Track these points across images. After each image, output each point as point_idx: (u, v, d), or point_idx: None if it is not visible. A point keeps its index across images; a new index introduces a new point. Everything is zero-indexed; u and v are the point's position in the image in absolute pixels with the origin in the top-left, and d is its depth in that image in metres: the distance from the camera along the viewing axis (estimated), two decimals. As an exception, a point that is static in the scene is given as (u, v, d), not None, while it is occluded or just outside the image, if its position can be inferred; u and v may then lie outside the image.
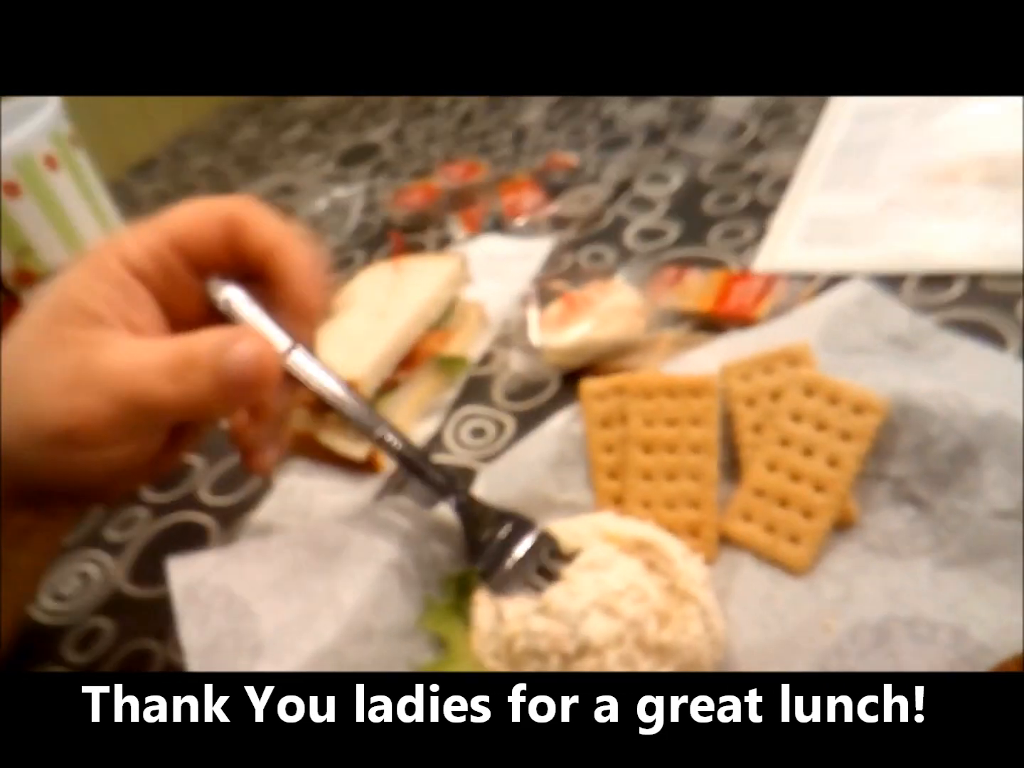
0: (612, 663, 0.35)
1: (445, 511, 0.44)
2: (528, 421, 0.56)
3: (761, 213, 0.67)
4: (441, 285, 0.61)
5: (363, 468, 0.57)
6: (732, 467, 0.43)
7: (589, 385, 0.45)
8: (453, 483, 0.42)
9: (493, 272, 0.70)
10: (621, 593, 0.36)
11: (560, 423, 0.46)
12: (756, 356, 0.43)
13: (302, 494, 0.58)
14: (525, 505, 0.43)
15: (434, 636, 0.40)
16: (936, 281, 0.55)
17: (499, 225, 0.76)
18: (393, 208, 0.81)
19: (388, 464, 0.57)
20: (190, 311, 0.39)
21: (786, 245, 0.64)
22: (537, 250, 0.72)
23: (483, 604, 0.39)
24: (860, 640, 0.37)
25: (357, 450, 0.56)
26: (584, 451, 0.45)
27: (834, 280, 0.55)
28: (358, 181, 0.91)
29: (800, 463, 0.41)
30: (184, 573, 0.40)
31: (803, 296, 0.57)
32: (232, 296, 0.39)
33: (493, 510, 0.41)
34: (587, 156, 0.81)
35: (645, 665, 0.36)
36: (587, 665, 0.35)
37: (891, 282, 0.54)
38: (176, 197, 0.40)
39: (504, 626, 0.37)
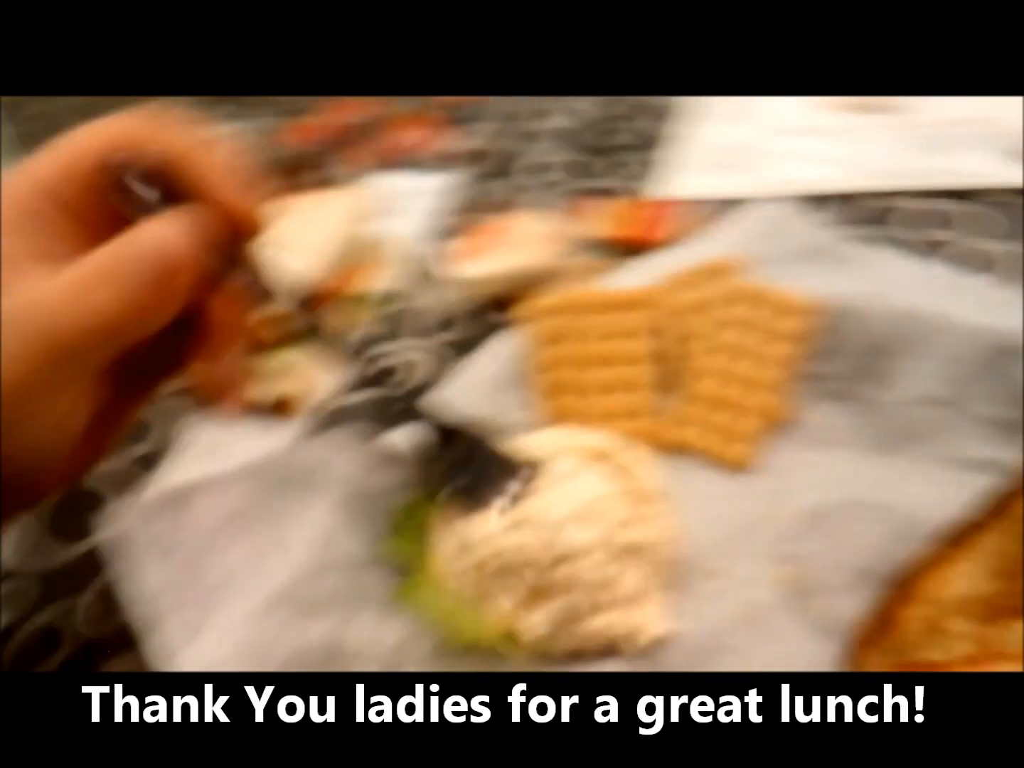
0: (585, 569, 0.36)
1: (387, 438, 0.43)
2: (449, 354, 0.55)
3: (657, 144, 0.69)
4: (348, 220, 0.59)
5: (274, 412, 0.55)
6: (667, 379, 0.44)
7: (536, 305, 0.45)
8: (411, 399, 0.41)
9: (396, 210, 0.68)
10: (594, 502, 0.36)
11: (503, 346, 0.46)
12: (683, 272, 0.45)
13: (206, 447, 0.55)
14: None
15: (392, 565, 0.39)
16: (825, 201, 0.59)
17: (396, 163, 0.74)
18: (279, 146, 0.77)
19: (300, 408, 0.55)
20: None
21: (687, 173, 0.66)
22: (438, 186, 0.70)
23: (443, 527, 0.39)
24: (802, 525, 0.39)
25: (266, 394, 0.53)
26: (523, 373, 0.45)
27: (734, 205, 0.58)
28: (225, 123, 0.86)
29: (731, 367, 0.43)
30: (119, 526, 0.37)
31: (702, 220, 0.59)
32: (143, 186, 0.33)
33: (452, 428, 0.40)
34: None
35: (614, 568, 0.37)
36: (561, 573, 0.35)
37: (786, 203, 0.57)
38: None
39: (473, 546, 0.37)
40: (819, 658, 0.35)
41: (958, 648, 0.31)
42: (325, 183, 0.73)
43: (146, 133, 0.34)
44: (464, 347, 0.55)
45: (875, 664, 0.34)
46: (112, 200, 0.33)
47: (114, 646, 0.43)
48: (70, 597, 0.46)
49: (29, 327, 0.29)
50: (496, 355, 0.46)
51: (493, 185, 0.70)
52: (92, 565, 0.47)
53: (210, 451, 0.54)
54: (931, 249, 0.52)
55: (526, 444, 0.40)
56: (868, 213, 0.57)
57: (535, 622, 0.36)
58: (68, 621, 0.45)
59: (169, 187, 0.34)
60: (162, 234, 0.31)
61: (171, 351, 0.35)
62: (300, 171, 0.75)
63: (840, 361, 0.42)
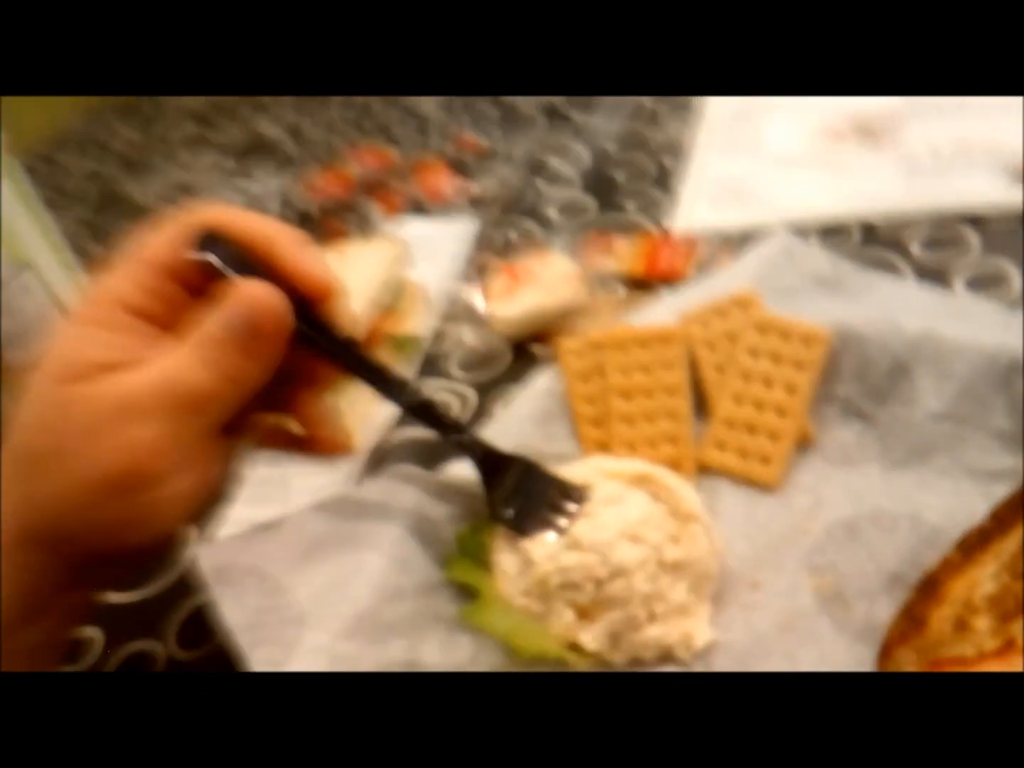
0: (639, 582, 0.39)
1: (447, 471, 0.47)
2: (488, 390, 0.59)
3: (667, 180, 0.73)
4: (387, 266, 0.63)
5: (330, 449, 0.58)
6: (701, 405, 0.48)
7: (567, 344, 0.49)
8: (465, 433, 0.44)
9: (424, 255, 0.72)
10: (642, 522, 0.40)
11: (541, 383, 0.50)
12: (710, 304, 0.48)
13: (277, 483, 0.59)
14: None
15: (460, 587, 0.43)
16: (834, 232, 0.63)
17: (419, 208, 0.79)
18: (309, 198, 0.82)
19: (361, 444, 0.59)
20: None
21: (697, 208, 0.70)
22: (462, 231, 0.75)
23: (504, 549, 0.42)
24: (835, 537, 0.43)
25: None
26: (566, 406, 0.49)
27: (745, 237, 0.61)
28: (262, 176, 0.91)
29: (762, 393, 0.46)
30: (212, 557, 0.41)
31: (722, 253, 0.63)
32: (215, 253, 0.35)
33: (506, 456, 0.44)
34: (494, 138, 0.85)
35: (666, 580, 0.40)
36: (617, 587, 0.39)
37: (796, 235, 0.61)
38: (64, 205, 0.37)
39: (535, 565, 0.40)
40: (855, 659, 0.38)
41: (985, 644, 0.34)
42: (359, 230, 0.78)
43: (225, 219, 0.36)
44: (501, 383, 0.58)
45: (907, 662, 0.37)
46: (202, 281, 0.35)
47: (206, 667, 0.47)
48: (160, 626, 0.50)
49: (160, 397, 0.32)
50: (539, 390, 0.50)
51: (515, 225, 0.74)
52: (179, 594, 0.51)
53: (271, 486, 0.58)
54: (943, 273, 0.56)
55: (572, 471, 0.44)
56: (877, 241, 0.61)
57: (596, 633, 0.40)
58: (160, 647, 0.49)
59: (251, 269, 0.36)
60: (255, 290, 0.34)
61: (269, 404, 0.39)
62: (335, 220, 0.79)
63: (860, 383, 0.46)
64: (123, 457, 0.31)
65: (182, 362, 0.33)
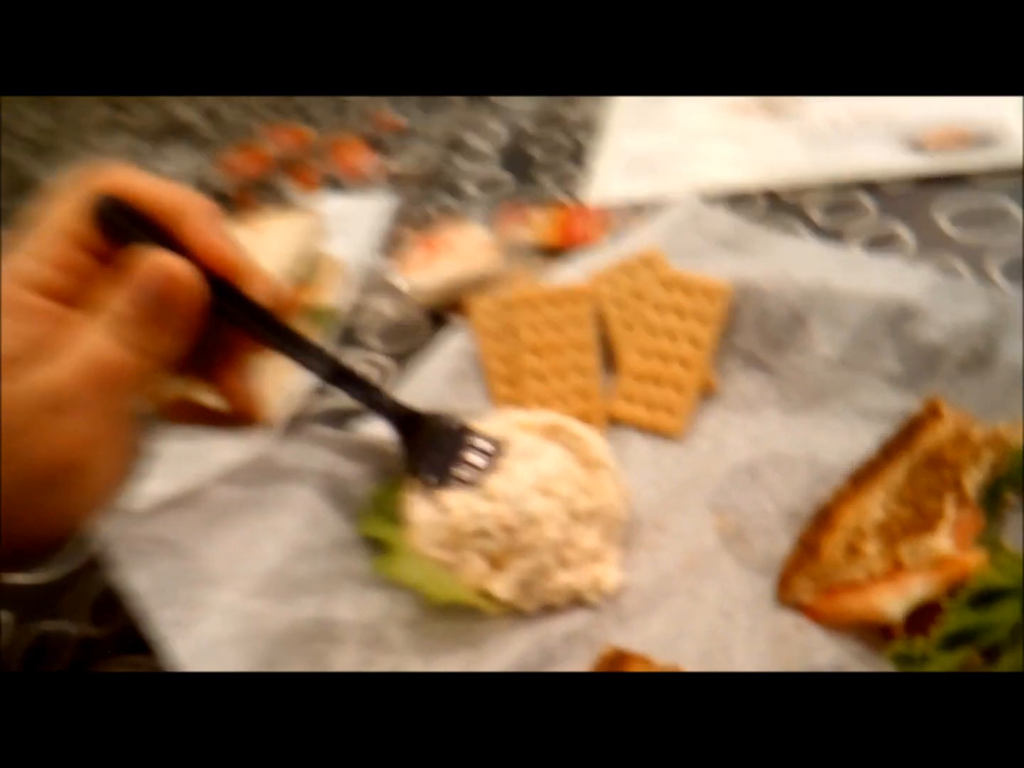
0: (550, 531, 0.40)
1: (359, 430, 0.47)
2: (406, 361, 0.59)
3: (582, 156, 0.74)
4: (301, 239, 0.63)
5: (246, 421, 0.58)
6: (610, 360, 0.49)
7: (479, 304, 0.50)
8: (381, 394, 0.44)
9: (341, 230, 0.72)
10: (554, 476, 0.41)
11: (454, 343, 0.50)
12: (617, 263, 0.50)
13: (192, 458, 0.58)
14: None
15: (373, 543, 0.43)
16: (740, 200, 0.65)
17: (336, 186, 0.78)
18: (225, 178, 0.81)
19: (275, 414, 0.58)
20: None
21: (609, 180, 0.71)
22: (380, 207, 0.75)
23: (418, 502, 0.42)
24: (737, 480, 0.44)
25: (243, 405, 0.57)
26: (478, 365, 0.50)
27: (655, 206, 0.63)
28: (176, 158, 0.89)
29: (667, 347, 0.48)
30: (118, 531, 0.40)
31: (634, 221, 0.64)
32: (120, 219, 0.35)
33: (422, 414, 0.44)
34: (413, 117, 0.85)
35: (577, 529, 0.41)
36: (528, 536, 0.40)
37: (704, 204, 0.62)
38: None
39: (448, 515, 0.40)
40: (756, 592, 0.40)
41: (874, 566, 0.36)
42: (276, 206, 0.77)
43: (131, 184, 0.35)
44: (419, 353, 0.59)
45: (804, 590, 0.38)
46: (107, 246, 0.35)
47: (118, 645, 0.46)
48: (70, 604, 0.49)
49: (82, 376, 0.31)
50: (452, 350, 0.50)
51: (433, 200, 0.74)
52: (91, 572, 0.50)
53: (188, 460, 0.57)
54: (841, 235, 0.58)
55: (487, 425, 0.45)
56: (781, 207, 0.63)
57: (507, 582, 0.40)
58: (70, 625, 0.48)
59: (158, 236, 0.35)
60: (163, 262, 0.33)
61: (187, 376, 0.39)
62: (251, 196, 0.78)
63: (759, 334, 0.48)
64: (56, 453, 0.31)
65: (99, 344, 0.32)
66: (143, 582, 0.38)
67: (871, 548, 0.36)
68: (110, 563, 0.40)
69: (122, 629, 0.47)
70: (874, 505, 0.38)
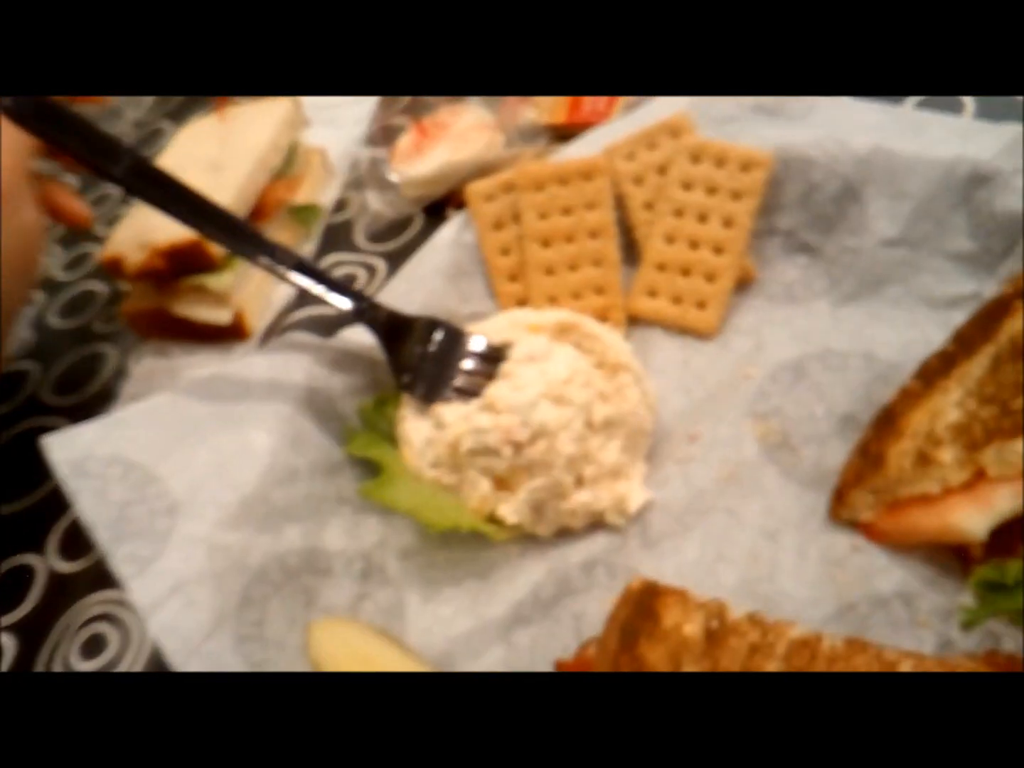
0: (564, 444, 0.34)
1: (346, 339, 0.41)
2: (398, 260, 0.53)
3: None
4: (277, 128, 0.55)
5: (228, 335, 0.52)
6: (629, 249, 0.43)
7: (475, 187, 0.43)
8: (363, 299, 0.38)
9: (323, 119, 0.65)
10: (566, 380, 0.35)
11: (450, 233, 0.43)
12: (637, 133, 0.43)
13: (163, 375, 0.52)
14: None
15: (363, 463, 0.38)
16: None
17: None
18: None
19: (256, 327, 0.52)
20: None
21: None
22: (366, 92, 0.67)
23: (411, 418, 0.37)
24: (781, 381, 0.38)
25: (221, 315, 0.51)
26: (478, 259, 0.43)
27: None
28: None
29: (697, 230, 0.41)
30: (65, 449, 0.35)
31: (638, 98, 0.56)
32: None
33: (410, 320, 0.39)
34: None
35: (596, 441, 0.35)
36: (539, 449, 0.34)
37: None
38: None
39: (445, 431, 0.35)
40: (805, 508, 0.34)
41: (951, 477, 0.30)
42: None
43: None
44: (412, 251, 0.52)
45: (864, 506, 0.33)
46: None
47: (92, 578, 0.42)
48: (39, 537, 0.44)
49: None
50: (446, 243, 0.44)
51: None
52: (60, 504, 0.45)
53: (158, 378, 0.52)
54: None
55: (489, 327, 0.39)
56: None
57: (516, 504, 0.35)
58: (40, 560, 0.44)
59: None
60: None
61: None
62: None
63: (805, 212, 0.41)
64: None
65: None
66: (95, 511, 0.33)
67: (947, 456, 0.31)
68: (69, 486, 0.35)
69: (95, 564, 0.43)
70: (949, 406, 0.32)
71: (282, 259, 0.37)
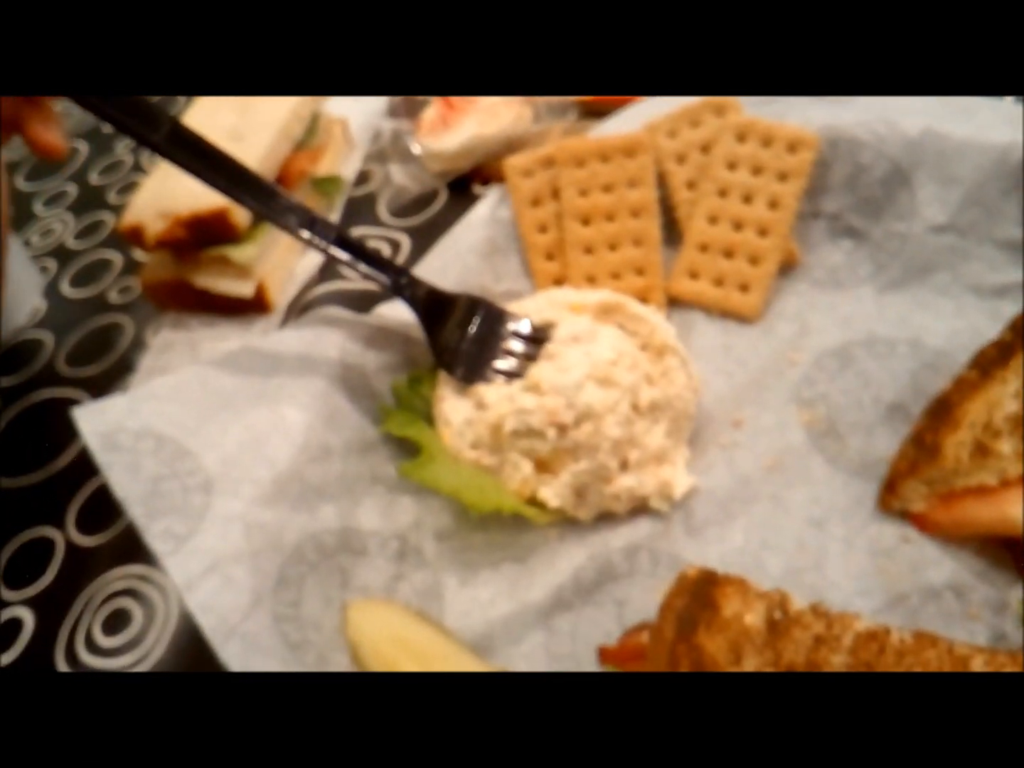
0: (609, 426, 0.33)
1: (379, 314, 0.40)
2: (423, 236, 0.52)
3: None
4: (298, 99, 0.54)
5: (250, 308, 0.51)
6: (669, 229, 0.42)
7: (513, 162, 0.42)
8: (403, 274, 0.37)
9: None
10: (612, 362, 0.34)
11: (485, 209, 0.42)
12: (681, 109, 0.41)
13: (183, 348, 0.51)
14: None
15: (399, 442, 0.37)
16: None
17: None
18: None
19: (278, 301, 0.51)
20: None
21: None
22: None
23: (450, 398, 0.36)
24: (826, 367, 0.38)
25: (244, 287, 0.50)
26: (515, 236, 0.42)
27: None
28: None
29: (741, 210, 0.40)
30: (94, 422, 0.34)
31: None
32: None
33: (451, 297, 0.38)
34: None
35: (641, 424, 0.35)
36: (585, 431, 0.33)
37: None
38: None
39: (486, 412, 0.34)
40: (852, 498, 0.34)
41: (1009, 468, 0.30)
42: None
43: None
44: (437, 227, 0.51)
45: (916, 497, 0.32)
46: None
47: (113, 553, 0.41)
48: (58, 510, 0.43)
49: None
50: (481, 220, 0.42)
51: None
52: (79, 475, 0.44)
53: (177, 351, 0.50)
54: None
55: (529, 307, 0.38)
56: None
57: (559, 487, 0.34)
58: (59, 533, 0.43)
59: None
60: None
61: None
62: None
63: (852, 195, 0.40)
64: None
65: None
66: (128, 486, 0.32)
67: (1006, 447, 0.30)
68: (99, 459, 0.34)
69: (114, 538, 0.42)
70: (1007, 396, 0.31)
71: (322, 231, 0.36)
